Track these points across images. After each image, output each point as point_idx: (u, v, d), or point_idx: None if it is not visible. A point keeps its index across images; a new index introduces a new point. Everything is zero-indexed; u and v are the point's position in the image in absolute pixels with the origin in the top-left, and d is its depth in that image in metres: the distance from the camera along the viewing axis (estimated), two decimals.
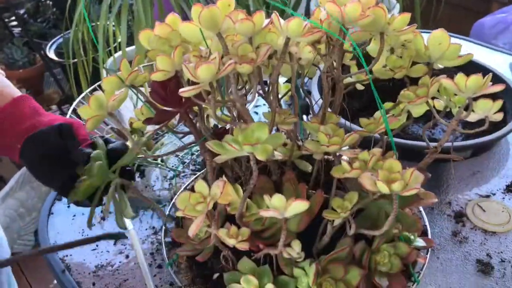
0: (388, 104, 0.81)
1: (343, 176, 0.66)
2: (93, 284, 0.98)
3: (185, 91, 0.58)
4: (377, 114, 0.76)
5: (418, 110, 0.79)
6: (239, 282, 0.68)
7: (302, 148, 0.79)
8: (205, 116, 0.79)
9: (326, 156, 0.79)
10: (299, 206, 0.58)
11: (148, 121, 0.71)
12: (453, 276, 0.94)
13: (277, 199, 0.58)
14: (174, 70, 0.65)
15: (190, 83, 0.62)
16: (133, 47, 1.87)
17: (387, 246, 0.71)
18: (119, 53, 1.87)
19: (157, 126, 0.74)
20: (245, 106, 0.67)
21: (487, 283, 0.92)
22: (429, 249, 0.79)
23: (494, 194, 1.13)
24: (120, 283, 0.98)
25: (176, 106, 0.69)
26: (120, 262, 1.02)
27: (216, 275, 0.75)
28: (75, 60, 2.02)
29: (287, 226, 0.67)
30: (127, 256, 1.03)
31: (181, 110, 0.70)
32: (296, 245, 0.65)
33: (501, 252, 0.98)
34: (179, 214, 0.58)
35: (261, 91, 0.75)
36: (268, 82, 0.72)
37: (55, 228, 1.12)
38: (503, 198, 1.12)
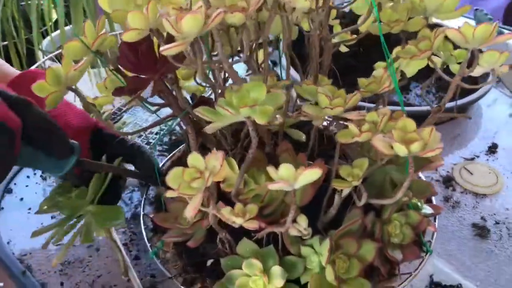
0: (380, 64, 0.73)
1: (350, 141, 0.58)
2: (61, 284, 0.86)
3: (168, 48, 0.48)
4: (377, 73, 0.68)
5: (413, 69, 0.71)
6: (239, 267, 0.58)
7: (293, 116, 0.70)
8: None
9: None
10: (311, 174, 0.48)
11: (118, 91, 0.59)
12: (452, 243, 0.87)
13: (285, 169, 0.48)
14: (148, 29, 0.54)
15: (168, 41, 0.52)
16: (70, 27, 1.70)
17: (398, 216, 0.63)
18: (57, 32, 1.70)
19: (123, 101, 0.63)
20: (233, 68, 0.57)
21: (486, 247, 0.86)
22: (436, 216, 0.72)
23: (478, 157, 1.08)
24: (93, 280, 0.86)
25: (149, 72, 0.59)
26: (90, 256, 0.90)
27: (210, 261, 0.65)
28: (6, 42, 1.83)
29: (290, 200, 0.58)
30: (97, 250, 0.91)
31: (155, 76, 0.59)
32: (303, 220, 0.56)
33: (494, 214, 0.93)
34: (171, 194, 0.48)
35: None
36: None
37: (7, 224, 0.98)
38: (487, 159, 1.07)
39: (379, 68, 0.71)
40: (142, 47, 0.56)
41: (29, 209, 1.00)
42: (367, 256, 0.58)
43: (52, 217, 0.97)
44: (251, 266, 0.57)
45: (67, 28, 1.53)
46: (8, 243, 0.94)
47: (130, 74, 0.62)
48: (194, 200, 0.47)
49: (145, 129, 0.73)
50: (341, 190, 0.59)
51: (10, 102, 0.58)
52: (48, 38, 1.66)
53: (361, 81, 0.67)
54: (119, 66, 0.62)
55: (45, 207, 0.76)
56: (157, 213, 0.69)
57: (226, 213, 0.50)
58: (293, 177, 0.49)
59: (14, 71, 0.81)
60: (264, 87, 0.49)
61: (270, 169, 0.50)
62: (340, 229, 0.58)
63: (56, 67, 0.64)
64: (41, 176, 1.08)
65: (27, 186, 1.06)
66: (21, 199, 1.04)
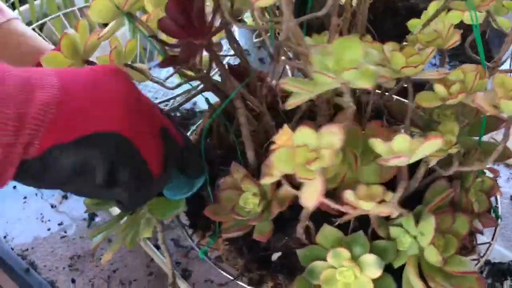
0: (414, 22, 0.65)
1: (434, 105, 0.50)
2: (73, 281, 0.75)
3: None
4: (437, 27, 0.59)
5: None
6: (321, 259, 0.49)
7: None
8: None
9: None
10: (431, 145, 0.40)
11: (169, 61, 0.48)
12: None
13: (401, 140, 0.40)
14: None
15: None
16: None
17: (476, 183, 0.56)
18: (25, 6, 1.50)
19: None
20: (298, 27, 0.47)
21: None
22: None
23: None
24: (109, 275, 0.75)
25: (198, 36, 0.48)
26: (102, 249, 0.78)
27: (276, 255, 0.55)
28: None
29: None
30: (109, 241, 0.79)
31: (205, 42, 0.48)
32: (394, 198, 0.47)
33: None
34: (269, 180, 0.38)
35: None
36: None
37: (2, 216, 0.86)
38: None
39: (414, 27, 0.64)
40: (197, 5, 0.45)
41: (25, 198, 0.88)
42: (461, 231, 0.51)
43: (52, 206, 0.85)
44: (338, 256, 0.48)
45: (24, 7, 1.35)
46: (4, 237, 0.82)
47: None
48: (314, 186, 0.37)
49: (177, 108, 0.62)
50: (428, 159, 0.51)
51: None
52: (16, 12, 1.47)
53: (420, 36, 0.59)
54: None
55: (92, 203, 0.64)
56: (211, 204, 0.57)
57: (351, 198, 0.41)
58: (410, 149, 0.40)
59: (48, 46, 0.71)
60: (360, 44, 0.39)
61: (376, 142, 0.41)
62: (435, 204, 0.50)
63: (73, 34, 0.52)
64: None
65: None
66: (14, 187, 0.91)
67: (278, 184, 0.53)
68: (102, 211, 0.82)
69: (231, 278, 0.55)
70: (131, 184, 0.49)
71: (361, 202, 0.40)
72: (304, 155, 0.38)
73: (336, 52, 0.40)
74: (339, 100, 0.63)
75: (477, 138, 0.58)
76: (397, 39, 0.55)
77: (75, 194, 0.51)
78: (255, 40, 0.91)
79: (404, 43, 0.59)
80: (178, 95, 0.75)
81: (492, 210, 0.61)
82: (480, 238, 0.59)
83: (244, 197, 0.53)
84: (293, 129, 0.43)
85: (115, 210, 0.79)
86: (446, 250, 0.50)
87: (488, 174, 0.62)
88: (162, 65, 0.49)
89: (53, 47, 0.69)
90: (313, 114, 0.61)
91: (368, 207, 0.41)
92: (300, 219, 0.50)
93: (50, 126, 0.42)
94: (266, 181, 0.40)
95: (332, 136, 0.38)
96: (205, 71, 0.57)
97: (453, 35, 0.57)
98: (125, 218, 0.64)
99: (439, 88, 0.49)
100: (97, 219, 0.84)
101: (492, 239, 0.59)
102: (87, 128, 0.45)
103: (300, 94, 0.41)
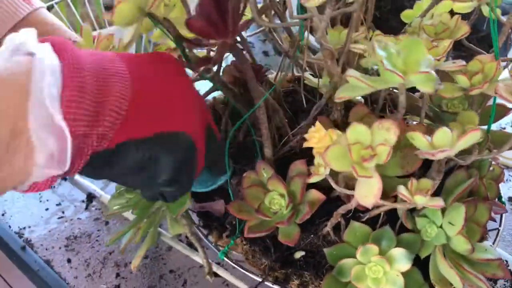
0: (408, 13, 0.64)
1: (457, 95, 0.49)
2: (68, 260, 0.72)
3: None
4: (444, 19, 0.58)
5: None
6: (348, 256, 0.47)
7: None
8: None
9: None
10: (471, 138, 0.39)
11: (204, 61, 0.44)
12: None
13: (443, 134, 0.38)
14: None
15: None
16: None
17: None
18: None
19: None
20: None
21: None
22: None
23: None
24: (104, 256, 0.72)
25: (226, 35, 0.44)
26: (99, 231, 0.76)
27: (300, 254, 0.52)
28: None
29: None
30: (106, 223, 0.77)
31: (230, 41, 0.45)
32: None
33: None
34: (316, 179, 0.35)
35: None
36: None
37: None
38: None
39: (408, 18, 0.63)
40: (233, 4, 0.41)
41: None
42: (482, 219, 0.50)
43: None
44: (367, 253, 0.46)
45: None
46: (3, 215, 0.79)
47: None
48: (371, 183, 0.35)
49: None
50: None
51: None
52: None
53: (428, 28, 0.58)
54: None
55: (116, 207, 0.61)
56: (236, 201, 0.54)
57: (405, 193, 0.39)
58: (451, 143, 0.39)
59: (73, 35, 0.65)
60: (424, 47, 0.37)
61: (417, 135, 0.39)
62: (459, 193, 0.49)
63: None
64: None
65: None
66: None
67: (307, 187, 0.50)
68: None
69: (259, 280, 0.52)
70: (186, 183, 0.48)
71: (416, 196, 0.39)
72: (359, 153, 0.36)
73: (404, 53, 0.38)
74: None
75: (485, 127, 0.57)
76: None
77: (118, 183, 0.51)
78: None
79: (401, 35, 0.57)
80: None
81: (498, 198, 0.61)
82: None
83: (270, 197, 0.50)
84: (310, 126, 0.41)
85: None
86: (470, 238, 0.49)
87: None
88: (198, 66, 0.45)
89: (77, 36, 0.64)
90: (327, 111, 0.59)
91: (423, 201, 0.39)
92: (326, 214, 0.48)
93: (125, 118, 0.39)
94: (314, 179, 0.37)
95: (387, 131, 0.36)
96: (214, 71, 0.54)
97: (461, 26, 0.56)
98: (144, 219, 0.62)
99: (461, 79, 0.47)
100: (94, 202, 0.80)
101: (500, 225, 0.59)
102: (160, 125, 0.42)
103: (357, 89, 0.39)
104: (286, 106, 0.63)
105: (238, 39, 0.46)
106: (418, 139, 0.39)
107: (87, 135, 0.37)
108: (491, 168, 0.56)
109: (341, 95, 0.37)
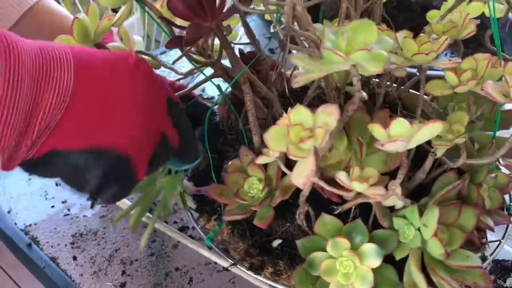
0: (434, 13, 0.64)
1: (445, 93, 0.49)
2: (74, 258, 0.76)
3: None
4: (453, 17, 0.58)
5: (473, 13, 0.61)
6: (320, 249, 0.49)
7: None
8: None
9: None
10: (430, 130, 0.39)
11: (173, 42, 0.48)
12: None
13: (399, 125, 0.39)
14: None
15: None
16: None
17: (488, 178, 0.55)
18: None
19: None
20: (305, 11, 0.46)
21: None
22: None
23: None
24: (110, 254, 0.76)
25: (207, 19, 0.47)
26: (104, 228, 0.80)
27: (277, 242, 0.55)
28: None
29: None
30: (112, 220, 0.80)
31: (213, 24, 0.48)
32: (399, 187, 0.47)
33: None
34: (265, 160, 0.38)
35: None
36: None
37: (6, 192, 0.87)
38: None
39: (432, 18, 0.63)
40: None
41: (30, 175, 0.88)
42: (467, 225, 0.50)
43: (56, 184, 0.86)
44: (337, 246, 0.48)
45: None
46: (8, 212, 0.83)
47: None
48: (306, 164, 0.37)
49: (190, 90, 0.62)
50: (435, 150, 0.50)
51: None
52: None
53: (436, 26, 0.58)
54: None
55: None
56: (216, 185, 0.57)
57: (344, 179, 0.40)
58: (409, 134, 0.40)
59: None
60: (374, 28, 0.39)
61: (375, 126, 0.40)
62: (441, 196, 0.49)
63: (84, 18, 0.53)
64: None
65: None
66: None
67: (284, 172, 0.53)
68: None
69: (231, 262, 0.55)
70: (113, 197, 0.51)
71: (354, 183, 0.40)
72: (298, 134, 0.38)
73: (350, 34, 0.40)
74: (349, 89, 0.63)
75: (491, 133, 0.57)
76: None
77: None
78: (272, 31, 0.91)
79: (422, 34, 0.58)
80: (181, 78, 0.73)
81: (505, 208, 0.60)
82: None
83: (249, 182, 0.54)
84: None
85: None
86: (450, 243, 0.49)
87: (504, 170, 0.61)
88: (168, 45, 0.49)
89: None
90: (323, 103, 0.61)
91: (360, 188, 0.40)
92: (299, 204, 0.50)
93: (56, 127, 0.42)
94: (262, 160, 0.40)
95: (328, 115, 0.37)
96: (215, 57, 0.57)
97: (469, 25, 0.56)
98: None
99: (450, 76, 0.48)
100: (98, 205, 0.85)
101: (503, 237, 0.58)
102: (90, 138, 0.45)
103: (310, 72, 0.41)
104: (293, 100, 0.65)
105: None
106: (376, 130, 0.40)
107: (16, 145, 0.40)
108: (492, 175, 0.55)
109: (299, 79, 0.39)
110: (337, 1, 0.59)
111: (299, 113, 0.38)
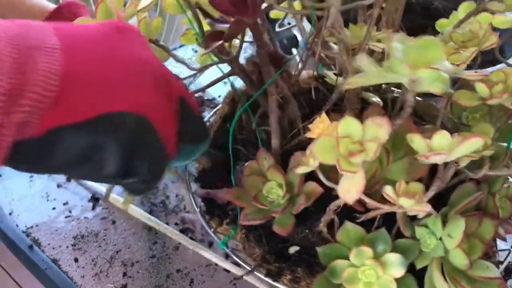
0: (443, 22, 0.64)
1: (474, 104, 0.49)
2: (75, 260, 0.75)
3: None
4: (473, 27, 0.58)
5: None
6: (341, 257, 0.49)
7: None
8: None
9: None
10: (472, 144, 0.39)
11: (214, 36, 0.46)
12: None
13: (441, 138, 0.39)
14: None
15: None
16: None
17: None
18: None
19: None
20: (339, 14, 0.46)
21: None
22: None
23: None
24: (111, 255, 0.75)
25: (246, 14, 0.46)
26: (106, 230, 0.79)
27: (294, 249, 0.54)
28: None
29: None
30: (113, 222, 0.80)
31: (252, 20, 0.47)
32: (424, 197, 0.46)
33: None
34: (304, 170, 0.36)
35: None
36: None
37: (8, 193, 0.85)
38: None
39: (443, 27, 0.63)
40: None
41: (31, 176, 0.87)
42: (486, 235, 0.50)
43: (58, 186, 0.84)
44: (361, 255, 0.47)
45: None
46: (10, 214, 0.82)
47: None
48: (355, 179, 0.36)
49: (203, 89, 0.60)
50: (459, 161, 0.50)
51: None
52: None
53: (455, 35, 0.58)
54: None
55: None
56: (234, 188, 0.56)
57: (391, 193, 0.40)
58: (449, 147, 0.39)
59: (49, 5, 0.64)
60: (440, 48, 0.38)
61: (416, 137, 0.40)
62: (462, 206, 0.49)
63: (109, 2, 0.51)
64: None
65: None
66: None
67: (306, 179, 0.52)
68: None
69: (248, 268, 0.54)
70: (149, 174, 0.43)
71: (402, 198, 0.39)
72: (347, 147, 0.37)
73: (419, 48, 0.39)
74: (367, 95, 0.63)
75: (505, 144, 0.57)
76: (410, 35, 0.55)
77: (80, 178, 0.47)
78: (278, 29, 0.90)
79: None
80: (193, 75, 0.70)
81: None
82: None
83: (268, 186, 0.53)
84: None
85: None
86: (471, 254, 0.49)
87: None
88: (208, 38, 0.47)
89: (54, 7, 0.64)
90: (338, 108, 0.60)
91: (408, 204, 0.40)
92: (325, 211, 0.49)
93: (54, 101, 0.34)
94: (301, 170, 0.39)
95: (378, 128, 0.37)
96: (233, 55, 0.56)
97: (490, 37, 0.56)
98: None
99: (481, 88, 0.48)
100: (101, 201, 0.83)
101: None
102: (101, 105, 0.37)
103: (369, 77, 0.40)
104: (305, 103, 0.65)
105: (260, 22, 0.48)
106: (417, 141, 0.40)
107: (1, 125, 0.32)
108: (505, 185, 0.56)
109: (350, 81, 0.38)
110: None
111: (348, 125, 0.37)
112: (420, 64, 0.36)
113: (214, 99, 0.98)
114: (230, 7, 0.43)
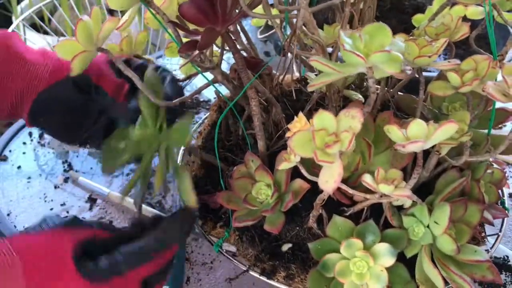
0: (419, 17, 0.65)
1: (448, 94, 0.49)
2: None
3: None
4: (445, 20, 0.59)
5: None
6: (332, 251, 0.49)
7: None
8: None
9: None
10: (447, 130, 0.39)
11: (187, 47, 0.47)
12: None
13: (417, 126, 0.39)
14: None
15: None
16: None
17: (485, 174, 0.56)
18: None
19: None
20: (311, 16, 0.46)
21: None
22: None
23: None
24: None
25: (219, 24, 0.46)
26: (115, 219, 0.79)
27: (286, 246, 0.54)
28: None
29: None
30: (110, 222, 0.79)
31: (223, 30, 0.47)
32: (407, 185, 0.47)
33: None
34: (285, 166, 0.37)
35: None
36: None
37: (6, 195, 0.84)
38: None
39: (419, 22, 0.64)
40: None
41: (29, 178, 0.87)
42: (473, 220, 0.50)
43: (55, 187, 0.84)
44: (351, 247, 0.47)
45: None
46: (8, 215, 0.81)
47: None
48: (333, 169, 0.36)
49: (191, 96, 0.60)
50: (440, 149, 0.50)
51: None
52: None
53: (429, 29, 0.58)
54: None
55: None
56: (223, 191, 0.56)
57: (370, 181, 0.40)
58: (426, 135, 0.40)
59: None
60: (389, 31, 0.39)
61: (393, 128, 0.40)
62: (447, 193, 0.49)
63: (88, 21, 0.51)
64: (38, 142, 0.94)
65: (24, 153, 0.92)
66: (19, 167, 0.89)
67: (292, 177, 0.52)
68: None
69: (243, 269, 0.54)
70: None
71: (381, 185, 0.39)
72: (323, 139, 0.37)
73: (367, 36, 0.40)
74: (348, 92, 0.63)
75: (485, 131, 0.57)
76: None
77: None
78: (259, 36, 0.90)
79: (410, 37, 0.58)
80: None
81: (500, 202, 0.60)
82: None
83: (257, 187, 0.53)
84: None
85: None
86: (458, 239, 0.49)
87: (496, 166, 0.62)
88: (181, 50, 0.47)
89: None
90: (322, 108, 0.60)
91: (387, 190, 0.40)
92: (313, 207, 0.49)
93: None
94: (283, 166, 0.39)
95: (352, 119, 0.37)
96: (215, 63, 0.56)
97: (461, 27, 0.56)
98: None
99: (453, 76, 0.48)
100: (98, 201, 0.83)
101: (500, 230, 0.59)
102: None
103: (327, 75, 0.40)
104: (289, 104, 0.65)
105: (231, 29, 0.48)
106: (394, 131, 0.40)
107: None
108: (489, 171, 0.56)
109: (313, 83, 0.39)
110: (333, 7, 0.59)
111: (322, 119, 0.37)
112: (371, 51, 0.37)
113: (209, 100, 0.99)
114: (198, 15, 0.43)
